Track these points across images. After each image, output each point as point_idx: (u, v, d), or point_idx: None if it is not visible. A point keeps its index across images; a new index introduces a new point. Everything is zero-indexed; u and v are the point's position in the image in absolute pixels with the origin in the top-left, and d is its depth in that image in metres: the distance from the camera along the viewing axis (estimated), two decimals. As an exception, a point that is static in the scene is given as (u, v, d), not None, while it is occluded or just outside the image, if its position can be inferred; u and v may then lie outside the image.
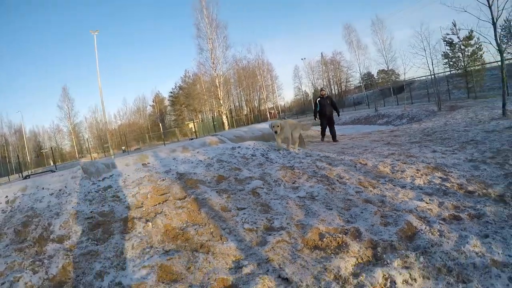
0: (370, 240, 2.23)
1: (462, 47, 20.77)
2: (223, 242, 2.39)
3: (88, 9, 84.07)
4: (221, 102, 32.12)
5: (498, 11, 8.57)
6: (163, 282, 1.91)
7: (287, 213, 2.82)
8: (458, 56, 21.31)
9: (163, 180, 3.72)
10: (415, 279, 1.76)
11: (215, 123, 34.74)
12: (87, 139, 49.67)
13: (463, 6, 9.73)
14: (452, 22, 20.35)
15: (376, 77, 55.92)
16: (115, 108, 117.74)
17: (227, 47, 32.01)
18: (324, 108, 9.12)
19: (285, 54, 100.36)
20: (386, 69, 43.74)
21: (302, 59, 57.90)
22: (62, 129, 59.48)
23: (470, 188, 3.25)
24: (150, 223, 2.64)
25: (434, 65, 20.26)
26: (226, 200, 3.14)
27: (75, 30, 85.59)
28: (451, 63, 22.38)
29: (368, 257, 2.05)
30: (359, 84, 57.28)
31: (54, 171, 14.71)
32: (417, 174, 3.94)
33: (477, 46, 20.13)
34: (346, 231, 2.39)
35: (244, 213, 2.87)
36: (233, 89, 54.01)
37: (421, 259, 1.93)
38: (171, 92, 63.20)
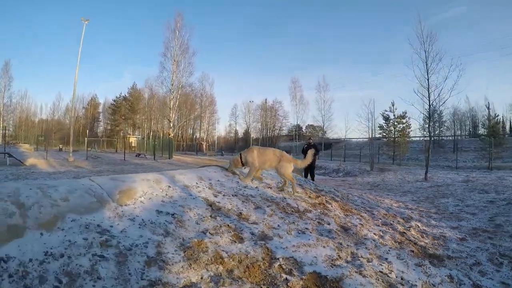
0: (392, 214, 5.83)
1: (396, 123, 27.94)
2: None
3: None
4: (171, 125, 34.00)
5: (434, 109, 14.02)
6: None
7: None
8: (391, 130, 28.34)
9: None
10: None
11: (156, 143, 35.39)
12: (5, 126, 45.22)
13: (411, 101, 15.38)
14: (391, 102, 27.75)
15: (304, 131, 64.12)
16: (42, 100, 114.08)
17: (190, 73, 34.60)
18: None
19: (226, 90, 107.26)
20: (321, 126, 51.06)
21: (250, 101, 64.65)
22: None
23: (420, 209, 7.09)
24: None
25: (372, 133, 26.91)
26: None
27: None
28: (384, 134, 29.39)
29: (395, 216, 5.63)
30: (289, 134, 65.10)
31: (12, 156, 15.27)
32: (391, 202, 7.71)
33: (407, 124, 27.61)
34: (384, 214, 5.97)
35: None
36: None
37: (417, 223, 5.59)
38: (114, 100, 62.36)
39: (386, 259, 2.95)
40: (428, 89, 13.82)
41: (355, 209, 5.23)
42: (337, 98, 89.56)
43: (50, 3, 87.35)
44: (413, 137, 33.21)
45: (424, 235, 4.44)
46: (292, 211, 3.91)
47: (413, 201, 8.35)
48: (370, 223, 4.38)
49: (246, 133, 66.49)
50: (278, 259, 2.46)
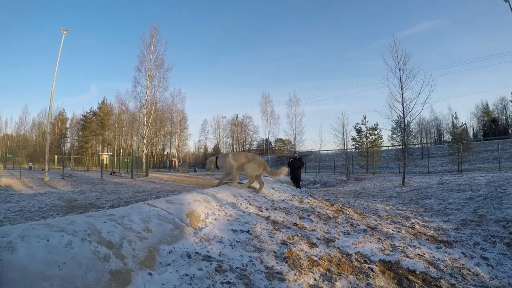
0: (392, 215, 6.69)
1: (368, 135, 29.78)
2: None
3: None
4: (144, 141, 33.55)
5: (407, 123, 15.42)
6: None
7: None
8: (363, 141, 30.12)
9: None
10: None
11: (127, 160, 34.35)
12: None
13: (387, 115, 16.94)
14: (363, 116, 29.78)
15: (273, 145, 65.60)
16: (8, 114, 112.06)
17: (164, 88, 34.55)
18: (293, 168, 13.33)
19: (195, 106, 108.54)
20: (292, 139, 52.45)
21: (222, 117, 65.37)
22: None
23: (410, 209, 8.00)
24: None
25: (346, 145, 28.60)
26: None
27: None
28: (357, 145, 31.14)
29: (396, 216, 6.49)
30: (259, 148, 66.40)
31: None
32: (383, 206, 8.55)
33: (379, 135, 29.56)
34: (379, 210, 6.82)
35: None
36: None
37: (416, 220, 6.48)
38: (83, 116, 60.18)
39: (415, 246, 3.72)
40: (403, 103, 15.16)
41: (365, 212, 6.03)
42: (309, 112, 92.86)
43: (14, 12, 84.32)
44: (383, 146, 35.34)
45: (427, 228, 5.29)
46: (326, 218, 4.57)
47: (400, 203, 9.30)
48: (384, 222, 5.18)
49: (216, 148, 66.88)
50: (351, 254, 3.05)
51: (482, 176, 14.33)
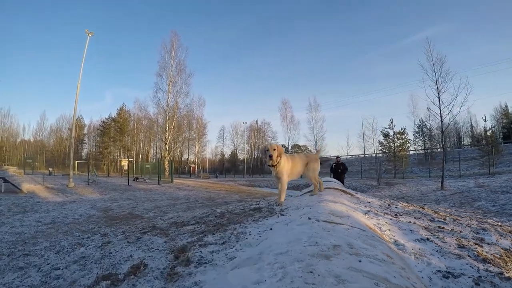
0: (468, 216, 7.21)
1: (395, 139, 30.13)
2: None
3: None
4: (167, 147, 34.12)
5: (445, 125, 15.85)
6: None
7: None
8: (391, 146, 30.47)
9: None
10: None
11: (148, 166, 34.54)
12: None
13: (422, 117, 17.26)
14: (390, 120, 30.17)
15: (290, 150, 66.01)
16: (26, 120, 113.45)
17: (186, 94, 34.98)
18: (336, 173, 13.80)
19: (213, 112, 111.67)
20: (313, 144, 52.91)
21: (243, 122, 65.32)
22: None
23: (470, 211, 8.42)
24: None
25: (375, 149, 29.02)
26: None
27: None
28: (384, 150, 31.50)
29: (471, 218, 7.00)
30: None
31: (8, 181, 15.00)
32: (444, 209, 9.04)
33: (406, 139, 29.89)
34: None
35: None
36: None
37: (491, 220, 7.00)
38: (103, 122, 61.71)
39: (523, 238, 4.26)
40: (440, 106, 15.55)
41: (453, 214, 6.49)
42: (329, 117, 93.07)
43: (33, 19, 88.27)
44: (409, 151, 35.60)
45: (507, 226, 5.83)
46: (442, 219, 5.03)
47: (453, 207, 9.73)
48: (475, 223, 5.61)
49: (234, 154, 67.60)
50: (509, 249, 3.43)
51: (518, 178, 14.60)
